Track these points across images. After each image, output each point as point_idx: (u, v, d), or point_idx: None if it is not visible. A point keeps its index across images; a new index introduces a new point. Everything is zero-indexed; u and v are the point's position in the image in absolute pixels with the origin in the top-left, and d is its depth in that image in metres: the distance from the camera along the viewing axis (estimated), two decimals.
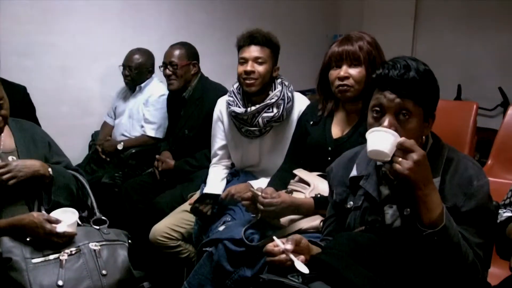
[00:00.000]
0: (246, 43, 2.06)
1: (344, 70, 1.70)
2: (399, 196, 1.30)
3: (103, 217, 1.72)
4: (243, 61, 2.07)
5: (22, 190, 1.66)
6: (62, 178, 1.73)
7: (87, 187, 1.82)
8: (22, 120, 1.84)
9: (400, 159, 1.16)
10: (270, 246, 1.28)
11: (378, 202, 1.32)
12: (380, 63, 1.66)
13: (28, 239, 1.52)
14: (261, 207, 1.62)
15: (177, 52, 2.61)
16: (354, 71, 1.70)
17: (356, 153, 1.46)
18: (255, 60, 2.06)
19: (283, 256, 1.25)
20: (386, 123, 1.23)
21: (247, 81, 2.06)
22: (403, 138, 1.18)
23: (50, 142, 1.85)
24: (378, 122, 1.25)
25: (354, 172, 1.40)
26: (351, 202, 1.39)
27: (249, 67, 2.05)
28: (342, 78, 1.70)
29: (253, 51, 2.06)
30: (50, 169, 1.68)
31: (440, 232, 1.15)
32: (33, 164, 1.65)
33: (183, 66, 2.59)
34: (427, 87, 1.26)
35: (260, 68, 2.06)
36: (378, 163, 1.34)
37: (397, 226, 1.30)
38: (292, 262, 1.23)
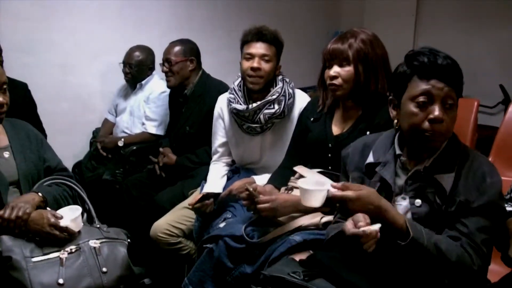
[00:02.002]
0: (253, 39, 2.05)
1: (334, 70, 1.70)
2: (413, 187, 1.31)
3: (102, 225, 1.71)
4: (249, 56, 2.06)
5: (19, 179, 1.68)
6: (54, 203, 1.69)
7: (85, 197, 1.78)
8: (14, 118, 1.84)
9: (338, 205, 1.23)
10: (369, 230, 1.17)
11: (392, 191, 1.33)
12: (374, 60, 1.67)
13: (29, 235, 1.52)
14: (258, 206, 1.63)
15: (173, 49, 2.61)
16: (343, 71, 1.69)
17: (374, 139, 1.46)
18: (262, 57, 2.05)
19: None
20: (437, 112, 1.23)
21: (252, 79, 2.05)
22: (331, 193, 1.22)
23: (43, 139, 1.85)
24: (425, 111, 1.24)
25: (370, 159, 1.41)
26: None
27: (255, 63, 2.04)
28: (331, 78, 1.71)
29: (261, 48, 2.05)
30: (39, 194, 1.64)
31: (410, 244, 1.18)
32: (27, 198, 1.60)
33: (178, 62, 2.58)
34: (462, 78, 1.28)
35: (266, 66, 2.05)
36: (397, 152, 1.36)
37: (408, 218, 1.30)
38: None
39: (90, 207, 1.76)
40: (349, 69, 1.68)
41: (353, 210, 1.20)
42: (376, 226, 1.16)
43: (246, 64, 2.06)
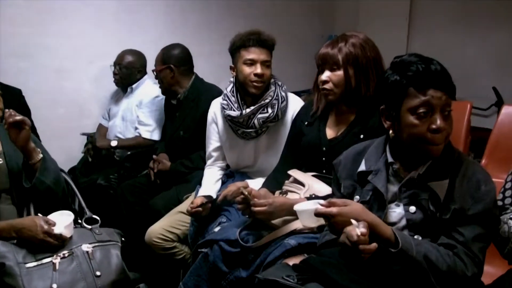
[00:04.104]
0: (254, 44, 2.04)
1: (325, 74, 1.71)
2: (406, 194, 1.32)
3: (94, 216, 1.72)
4: (251, 62, 2.04)
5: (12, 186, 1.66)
6: (51, 163, 1.71)
7: (74, 187, 1.82)
8: None
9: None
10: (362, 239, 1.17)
11: (385, 199, 1.33)
12: (365, 63, 1.67)
13: (15, 241, 1.52)
14: (255, 209, 1.63)
15: (157, 58, 2.66)
16: (333, 75, 1.70)
17: (365, 147, 1.46)
18: (264, 63, 2.05)
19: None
20: (438, 122, 1.23)
21: (256, 84, 2.05)
22: (316, 208, 1.26)
23: (36, 141, 1.84)
24: (426, 122, 1.24)
25: (362, 167, 1.41)
26: (357, 197, 1.40)
27: (259, 69, 2.03)
28: (323, 82, 1.72)
29: (262, 53, 2.04)
30: (40, 152, 1.68)
31: (399, 254, 1.19)
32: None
33: (159, 71, 2.63)
34: (453, 82, 1.28)
35: (267, 72, 2.06)
36: (389, 160, 1.36)
37: (403, 225, 1.32)
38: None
39: (81, 199, 1.78)
40: (339, 73, 1.69)
41: (337, 225, 1.22)
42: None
43: (248, 70, 2.05)
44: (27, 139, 1.62)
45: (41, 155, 1.67)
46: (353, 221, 1.19)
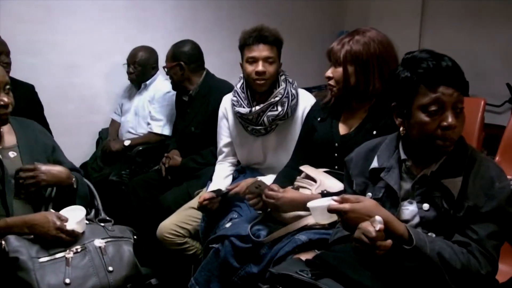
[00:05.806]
0: (255, 41, 2.03)
1: (329, 70, 1.73)
2: (419, 191, 1.31)
3: (107, 218, 1.72)
4: (253, 60, 2.04)
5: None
6: (82, 187, 1.75)
7: (94, 190, 1.84)
8: (23, 118, 1.84)
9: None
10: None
11: (398, 197, 1.32)
12: (365, 60, 1.65)
13: (32, 236, 1.53)
14: (264, 197, 1.65)
15: (167, 54, 2.66)
16: (335, 72, 1.71)
17: (377, 144, 1.45)
18: (266, 60, 2.03)
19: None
20: (450, 119, 1.21)
21: (258, 82, 2.04)
22: (329, 204, 1.25)
23: (54, 145, 1.84)
24: (437, 119, 1.22)
25: (375, 164, 1.40)
26: (370, 194, 1.39)
27: (260, 67, 2.02)
28: (327, 78, 1.73)
29: (263, 50, 2.03)
30: (74, 179, 1.71)
31: (413, 251, 1.18)
32: (60, 172, 1.67)
33: (169, 68, 2.64)
34: (465, 78, 1.26)
35: (270, 68, 2.04)
36: (402, 157, 1.35)
37: (417, 222, 1.31)
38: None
39: (99, 201, 1.79)
40: (339, 70, 1.70)
41: (350, 221, 1.21)
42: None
43: (250, 68, 2.05)
44: (54, 182, 1.67)
45: (74, 185, 1.71)
46: (377, 217, 1.17)
